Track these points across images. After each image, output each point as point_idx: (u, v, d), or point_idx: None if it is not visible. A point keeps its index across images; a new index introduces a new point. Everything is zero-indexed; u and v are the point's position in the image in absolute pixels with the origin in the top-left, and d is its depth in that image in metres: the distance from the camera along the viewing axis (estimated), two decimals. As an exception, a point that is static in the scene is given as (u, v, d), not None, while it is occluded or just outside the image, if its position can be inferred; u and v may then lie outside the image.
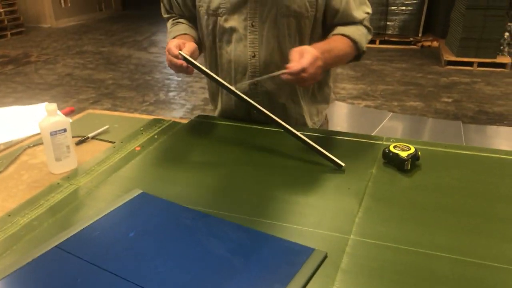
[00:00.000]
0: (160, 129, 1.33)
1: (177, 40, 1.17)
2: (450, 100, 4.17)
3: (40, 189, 1.03)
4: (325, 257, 0.79)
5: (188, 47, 1.16)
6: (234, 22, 1.26)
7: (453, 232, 0.86)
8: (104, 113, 1.52)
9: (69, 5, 8.01)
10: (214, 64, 1.36)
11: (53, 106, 1.08)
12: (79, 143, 1.26)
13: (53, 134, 1.07)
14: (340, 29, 1.28)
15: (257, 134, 1.30)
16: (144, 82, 4.85)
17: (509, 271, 0.76)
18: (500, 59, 4.96)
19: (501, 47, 5.05)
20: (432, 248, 0.81)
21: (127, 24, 7.95)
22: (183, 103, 4.24)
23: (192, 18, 1.38)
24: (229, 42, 1.29)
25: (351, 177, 1.05)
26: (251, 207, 0.94)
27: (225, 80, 1.32)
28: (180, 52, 1.13)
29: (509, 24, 4.97)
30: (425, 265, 0.77)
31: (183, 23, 1.38)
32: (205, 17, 1.30)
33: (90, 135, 1.30)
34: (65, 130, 1.09)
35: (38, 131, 1.33)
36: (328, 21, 1.30)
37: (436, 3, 6.14)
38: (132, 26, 7.77)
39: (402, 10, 6.05)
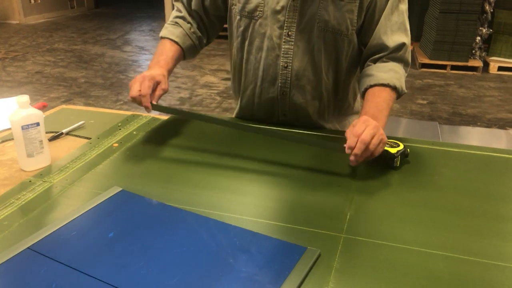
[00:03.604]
0: (139, 125, 1.27)
1: (147, 82, 1.11)
2: (425, 102, 4.23)
3: (10, 187, 0.96)
4: (319, 256, 0.75)
5: (158, 91, 1.16)
6: (268, 28, 1.18)
7: (445, 230, 0.84)
8: (79, 108, 1.44)
9: (39, 1, 7.76)
10: (239, 67, 1.29)
11: (25, 98, 1.01)
12: (52, 139, 1.19)
13: (25, 128, 1.00)
14: (376, 77, 1.15)
15: (239, 131, 1.25)
16: (118, 81, 4.73)
17: (503, 268, 0.74)
18: (472, 63, 5.06)
19: (473, 51, 5.16)
20: (425, 245, 0.79)
21: (100, 22, 7.76)
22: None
23: (214, 18, 1.30)
24: (259, 48, 1.21)
25: (340, 174, 1.02)
26: (237, 205, 0.90)
27: (249, 86, 1.28)
28: (152, 103, 1.13)
29: (480, 28, 5.09)
30: (418, 263, 0.75)
31: (181, 26, 1.28)
32: (238, 17, 1.21)
33: (64, 130, 1.23)
34: (38, 124, 1.02)
35: (7, 126, 1.26)
36: (361, 44, 1.22)
37: (410, 6, 6.23)
38: (105, 24, 7.58)
39: (377, 13, 6.09)
